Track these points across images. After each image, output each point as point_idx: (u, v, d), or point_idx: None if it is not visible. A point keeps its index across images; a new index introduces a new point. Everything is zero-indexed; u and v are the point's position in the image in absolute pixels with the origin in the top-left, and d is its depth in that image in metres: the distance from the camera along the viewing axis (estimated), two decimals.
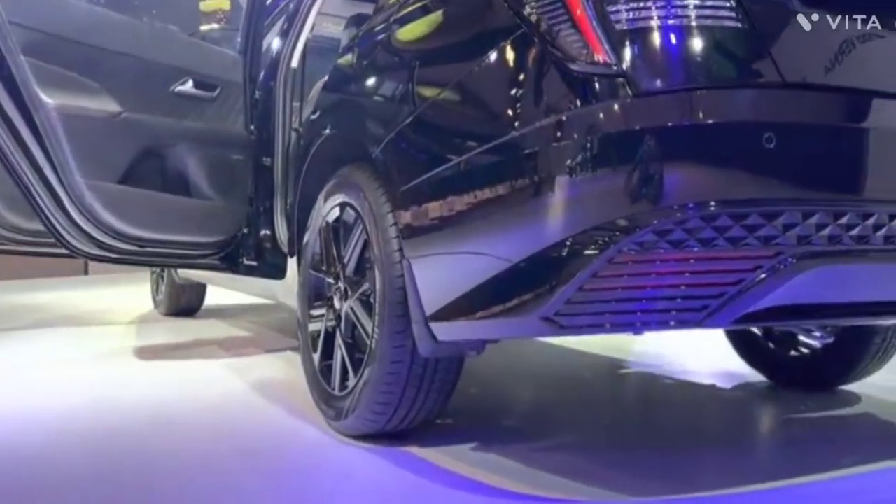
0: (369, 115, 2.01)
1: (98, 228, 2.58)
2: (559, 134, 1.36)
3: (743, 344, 2.88)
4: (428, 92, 1.75)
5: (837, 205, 1.31)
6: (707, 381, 2.96)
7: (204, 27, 3.99)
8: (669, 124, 1.28)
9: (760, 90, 1.31)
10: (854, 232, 1.33)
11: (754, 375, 2.87)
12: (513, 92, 1.48)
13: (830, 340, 2.63)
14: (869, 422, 2.36)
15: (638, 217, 1.28)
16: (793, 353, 2.74)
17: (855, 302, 1.43)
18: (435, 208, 1.63)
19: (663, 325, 1.34)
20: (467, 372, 2.49)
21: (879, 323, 2.29)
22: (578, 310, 1.35)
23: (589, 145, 1.33)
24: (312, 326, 2.19)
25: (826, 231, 1.31)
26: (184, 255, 2.86)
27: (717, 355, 3.10)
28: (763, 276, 1.30)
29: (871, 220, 1.34)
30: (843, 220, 1.32)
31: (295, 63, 2.95)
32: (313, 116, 2.39)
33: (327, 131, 2.22)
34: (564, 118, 1.36)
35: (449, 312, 1.61)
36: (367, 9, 2.47)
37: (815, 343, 2.71)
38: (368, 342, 1.86)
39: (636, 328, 1.36)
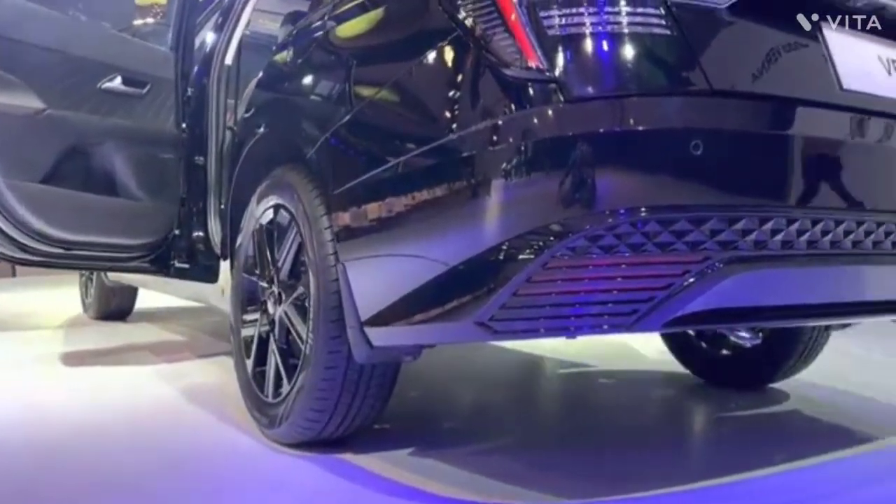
0: (304, 115, 1.97)
1: (20, 230, 2.47)
2: (494, 138, 1.35)
3: (676, 344, 2.95)
4: (364, 92, 1.73)
5: (763, 211, 1.34)
6: (642, 379, 3.02)
7: (138, 22, 3.87)
8: (600, 131, 1.29)
9: (688, 98, 1.33)
10: (779, 237, 1.36)
11: (687, 374, 2.94)
12: (449, 95, 1.47)
13: (759, 341, 2.71)
14: (796, 419, 2.44)
15: (571, 222, 1.28)
16: (723, 352, 2.82)
17: (783, 305, 1.46)
18: (370, 211, 1.61)
19: (596, 329, 1.35)
20: (407, 373, 2.48)
21: (808, 324, 2.37)
22: (513, 314, 1.35)
23: (523, 150, 1.33)
24: (245, 331, 2.14)
25: (752, 236, 1.33)
26: (111, 258, 2.76)
27: (653, 355, 3.16)
28: (691, 280, 1.31)
29: (795, 226, 1.37)
30: (769, 226, 1.34)
31: (229, 60, 2.88)
32: (246, 115, 2.34)
33: (261, 130, 2.17)
34: (499, 123, 1.35)
35: (384, 317, 1.58)
36: (305, 5, 2.43)
37: (745, 343, 2.79)
38: (303, 348, 1.82)
39: (570, 332, 1.37)
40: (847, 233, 1.44)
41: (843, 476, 1.80)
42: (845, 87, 1.50)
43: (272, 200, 2.03)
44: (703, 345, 2.85)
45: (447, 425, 2.27)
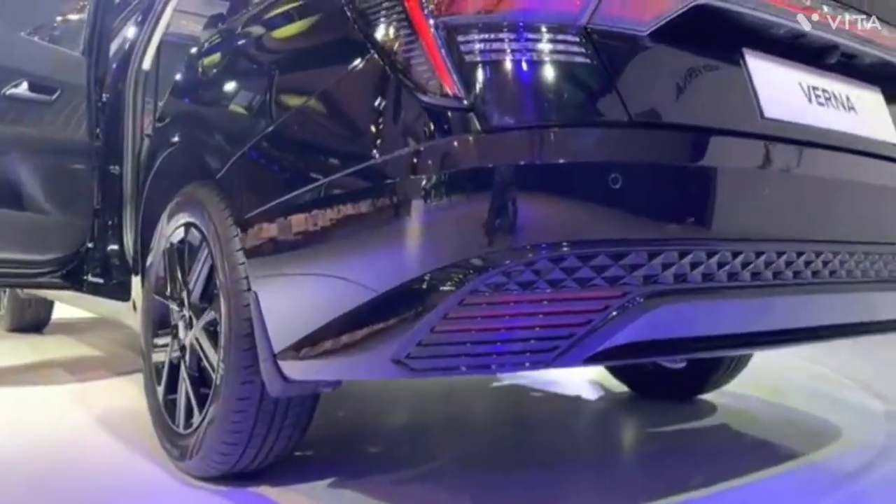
0: (217, 128, 1.87)
1: None
2: (413, 166, 1.29)
3: None
4: (281, 108, 1.64)
5: (683, 244, 1.31)
6: (574, 393, 3.00)
7: (59, 18, 3.67)
8: (518, 162, 1.24)
9: (606, 129, 1.29)
10: (699, 270, 1.33)
11: (620, 388, 2.94)
12: (369, 117, 1.40)
13: (683, 364, 2.74)
14: (723, 433, 2.46)
15: (489, 257, 1.23)
16: (655, 365, 2.83)
17: (705, 336, 1.44)
18: (284, 235, 1.52)
19: (518, 366, 1.31)
20: (332, 393, 2.39)
21: (730, 354, 2.39)
22: (430, 352, 1.29)
23: (440, 180, 1.27)
24: (156, 356, 2.03)
25: (672, 270, 1.30)
26: (19, 274, 2.59)
27: (587, 369, 3.15)
28: (611, 315, 1.28)
29: (715, 258, 1.35)
30: (688, 259, 1.32)
31: (147, 64, 2.75)
32: (160, 124, 2.21)
33: (174, 142, 2.06)
34: (418, 150, 1.29)
35: (298, 350, 1.50)
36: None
37: (670, 365, 2.81)
38: (214, 377, 1.73)
39: (490, 370, 1.31)
40: (768, 263, 1.43)
41: (777, 492, 1.82)
42: (767, 115, 1.49)
43: (183, 218, 1.92)
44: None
45: (373, 450, 2.20)
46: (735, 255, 1.38)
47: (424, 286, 1.26)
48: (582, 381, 3.17)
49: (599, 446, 2.37)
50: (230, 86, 1.91)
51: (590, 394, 3.00)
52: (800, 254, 1.49)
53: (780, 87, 1.56)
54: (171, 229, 1.98)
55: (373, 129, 1.38)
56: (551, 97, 1.28)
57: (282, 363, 1.56)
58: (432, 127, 1.29)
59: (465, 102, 1.27)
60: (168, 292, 2.01)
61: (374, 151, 1.35)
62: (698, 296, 1.35)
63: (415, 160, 1.29)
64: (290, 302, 1.54)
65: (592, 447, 2.35)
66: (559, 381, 3.17)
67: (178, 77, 2.18)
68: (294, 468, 1.88)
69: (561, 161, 1.24)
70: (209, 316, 1.79)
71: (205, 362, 1.81)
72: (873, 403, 2.80)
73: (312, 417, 1.80)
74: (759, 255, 1.42)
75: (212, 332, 1.78)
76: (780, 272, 1.46)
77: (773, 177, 1.48)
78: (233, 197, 1.70)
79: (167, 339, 1.99)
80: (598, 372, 3.04)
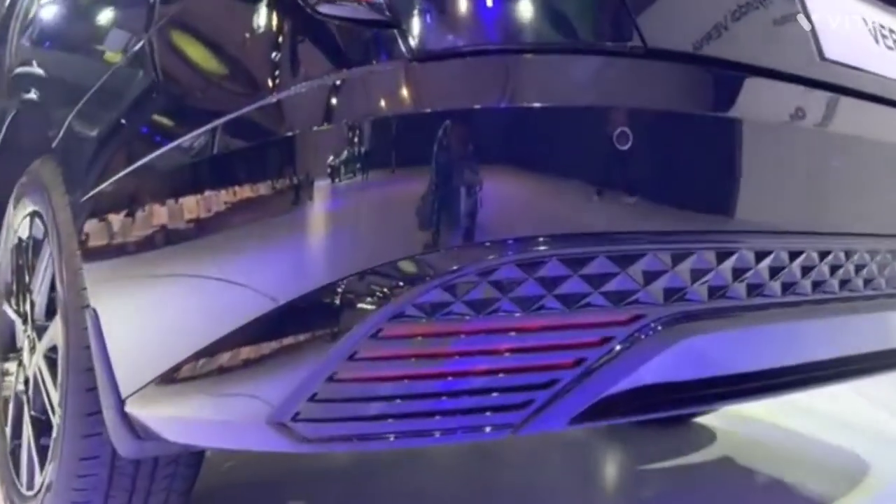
0: (54, 80, 1.38)
1: None
2: (302, 115, 0.82)
3: None
4: (116, 48, 1.14)
5: (724, 241, 0.86)
6: None
7: None
8: (472, 108, 0.77)
9: (609, 58, 0.82)
10: (746, 279, 0.88)
11: None
12: (240, 47, 0.93)
13: None
14: (728, 469, 2.03)
15: (421, 262, 0.76)
16: None
17: (744, 374, 0.99)
18: (128, 225, 1.04)
19: (472, 432, 0.84)
20: None
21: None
22: (330, 412, 0.82)
23: (346, 138, 0.80)
24: (4, 388, 1.53)
25: (706, 279, 0.85)
26: None
27: None
28: (614, 351, 0.82)
29: (766, 262, 0.90)
30: (731, 263, 0.86)
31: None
32: (11, 74, 1.68)
33: (21, 102, 1.54)
34: (310, 91, 0.82)
35: (152, 397, 1.02)
36: None
37: None
38: (54, 425, 1.24)
39: (430, 439, 0.85)
40: (834, 268, 0.98)
41: None
42: (827, 55, 1.04)
43: (28, 205, 1.42)
44: None
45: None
46: (794, 256, 0.92)
47: (317, 309, 0.79)
48: None
49: (580, 490, 1.92)
50: (66, 22, 1.42)
51: None
52: (873, 254, 1.04)
53: (841, 22, 1.11)
54: (18, 220, 1.48)
55: (246, 63, 0.90)
56: (525, 9, 0.81)
57: (132, 413, 1.07)
58: (336, 54, 0.82)
59: (388, 14, 0.80)
60: (14, 303, 1.51)
61: (246, 97, 0.87)
62: (744, 319, 0.90)
63: (306, 106, 0.81)
64: (141, 324, 1.06)
65: (571, 492, 1.89)
66: None
67: (29, 15, 1.67)
68: None
69: (538, 106, 0.77)
70: (49, 340, 1.30)
71: (48, 403, 1.32)
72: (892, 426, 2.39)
73: (196, 477, 1.32)
74: (823, 256, 0.97)
75: (53, 361, 1.29)
76: (847, 281, 1.01)
77: (838, 143, 1.03)
78: (72, 174, 1.21)
79: (15, 366, 1.50)
80: None
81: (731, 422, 2.37)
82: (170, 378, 0.97)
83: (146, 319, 1.04)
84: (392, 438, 0.84)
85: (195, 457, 1.28)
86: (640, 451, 2.16)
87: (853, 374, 1.14)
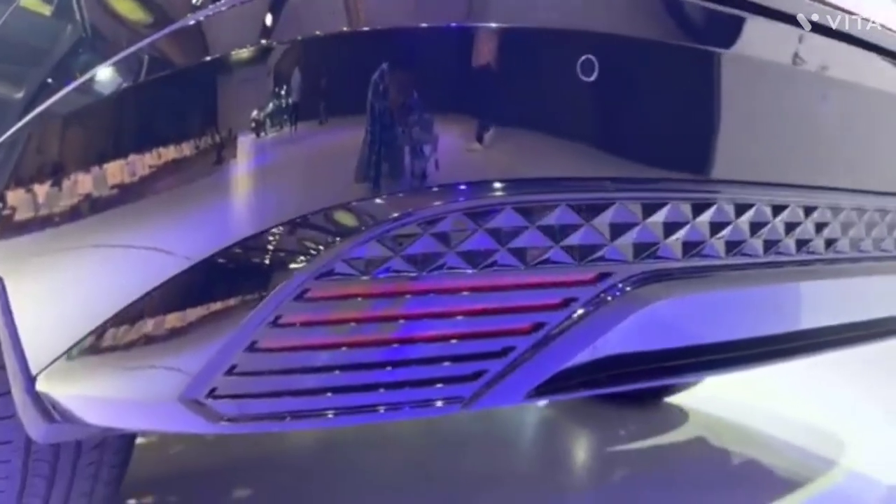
0: None
1: None
2: (196, 39, 0.71)
3: None
4: None
5: (700, 191, 0.76)
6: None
7: None
8: (410, 26, 0.66)
9: None
10: (724, 235, 0.78)
11: None
12: None
13: None
14: (703, 452, 1.96)
15: (353, 210, 0.66)
16: None
17: (724, 342, 0.90)
18: (31, 189, 0.92)
19: (419, 407, 0.73)
20: None
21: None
22: (251, 386, 0.71)
23: (270, 64, 0.68)
24: None
25: (681, 234, 0.75)
26: None
27: None
28: (578, 315, 0.72)
29: (748, 215, 0.80)
30: (709, 216, 0.77)
31: None
32: None
33: None
34: (225, 15, 0.71)
35: (61, 374, 0.91)
36: None
37: None
38: None
39: (369, 416, 0.74)
40: (820, 226, 0.89)
41: None
42: None
43: None
44: None
45: (241, 493, 1.61)
46: (777, 210, 0.83)
47: (233, 268, 0.68)
48: None
49: (548, 474, 1.83)
50: None
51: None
52: (860, 211, 0.96)
53: None
54: None
55: None
56: None
57: (43, 392, 0.95)
58: None
59: None
60: None
61: (155, 25, 0.75)
62: (722, 281, 0.81)
63: (199, 28, 0.70)
64: (49, 294, 0.94)
65: (537, 475, 1.81)
66: None
67: None
68: None
69: (493, 27, 0.66)
70: None
71: None
72: (873, 405, 2.34)
73: (127, 465, 1.20)
74: (808, 211, 0.88)
75: None
76: (834, 240, 0.93)
77: (826, 86, 0.94)
78: None
79: None
80: None
81: (703, 402, 2.30)
82: (79, 352, 0.86)
83: (54, 289, 0.92)
84: (331, 415, 0.73)
85: (123, 441, 1.17)
86: (609, 434, 2.08)
87: (839, 344, 1.06)
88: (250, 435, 2.01)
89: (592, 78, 0.68)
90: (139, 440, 1.74)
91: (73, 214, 0.85)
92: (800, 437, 2.04)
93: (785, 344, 0.99)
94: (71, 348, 0.87)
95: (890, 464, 1.81)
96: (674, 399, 2.32)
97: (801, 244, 0.87)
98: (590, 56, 0.67)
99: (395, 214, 0.66)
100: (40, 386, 0.95)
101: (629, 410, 2.20)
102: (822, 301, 1.01)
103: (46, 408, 0.97)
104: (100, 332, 0.82)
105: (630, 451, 1.95)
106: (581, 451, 2.06)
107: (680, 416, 2.21)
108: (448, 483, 1.68)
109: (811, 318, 1.00)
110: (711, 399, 2.32)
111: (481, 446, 1.98)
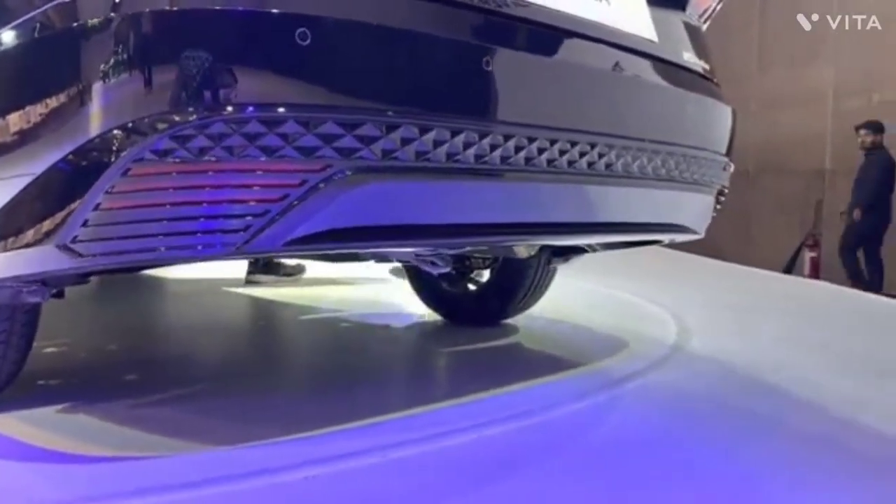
0: None
1: None
2: None
3: (420, 286, 2.89)
4: None
5: (391, 117, 1.21)
6: (384, 322, 2.93)
7: None
8: (187, 8, 1.09)
9: None
10: (412, 147, 1.24)
11: (431, 315, 2.89)
12: None
13: (492, 278, 2.72)
14: (514, 349, 2.46)
15: (156, 118, 1.08)
16: (463, 292, 2.80)
17: (426, 224, 1.36)
18: None
19: (206, 249, 1.17)
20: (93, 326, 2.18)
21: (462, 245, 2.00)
22: (98, 233, 1.14)
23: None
24: None
25: (378, 145, 1.20)
26: None
27: (409, 304, 3.07)
28: (312, 189, 1.17)
29: (430, 135, 1.26)
30: (398, 134, 1.22)
31: None
32: None
33: None
34: None
35: None
36: None
37: (481, 280, 2.79)
38: None
39: (173, 254, 1.17)
40: (493, 147, 1.35)
41: (547, 395, 1.87)
42: None
43: None
44: (444, 285, 2.81)
45: (127, 377, 2.02)
46: (454, 133, 1.29)
47: (85, 154, 1.10)
48: (399, 312, 3.10)
49: (386, 366, 2.31)
50: None
51: (401, 322, 2.94)
52: (531, 139, 1.43)
53: None
54: None
55: None
56: None
57: None
58: None
59: None
60: None
61: None
62: (412, 175, 1.27)
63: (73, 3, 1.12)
64: None
65: (379, 366, 2.28)
66: (375, 313, 3.09)
67: None
68: (29, 398, 1.69)
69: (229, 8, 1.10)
70: None
71: None
72: (669, 327, 2.88)
73: (32, 339, 1.60)
74: (483, 136, 1.34)
75: None
76: (508, 157, 1.39)
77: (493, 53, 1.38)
78: None
79: None
80: (411, 302, 2.97)
81: (537, 322, 2.80)
82: None
83: None
84: (137, 254, 1.16)
85: (30, 316, 1.56)
86: (446, 341, 2.57)
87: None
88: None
89: (308, 43, 1.11)
90: (49, 349, 2.15)
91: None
92: (594, 340, 2.57)
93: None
94: None
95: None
96: (513, 321, 2.81)
97: (479, 157, 1.33)
98: (304, 28, 1.11)
99: (178, 122, 1.08)
100: None
101: (473, 329, 2.67)
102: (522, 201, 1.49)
103: None
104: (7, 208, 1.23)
105: (455, 351, 2.44)
106: (421, 351, 2.55)
107: (511, 329, 2.70)
108: (300, 376, 2.12)
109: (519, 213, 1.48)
110: (547, 321, 2.82)
111: (339, 351, 2.44)
